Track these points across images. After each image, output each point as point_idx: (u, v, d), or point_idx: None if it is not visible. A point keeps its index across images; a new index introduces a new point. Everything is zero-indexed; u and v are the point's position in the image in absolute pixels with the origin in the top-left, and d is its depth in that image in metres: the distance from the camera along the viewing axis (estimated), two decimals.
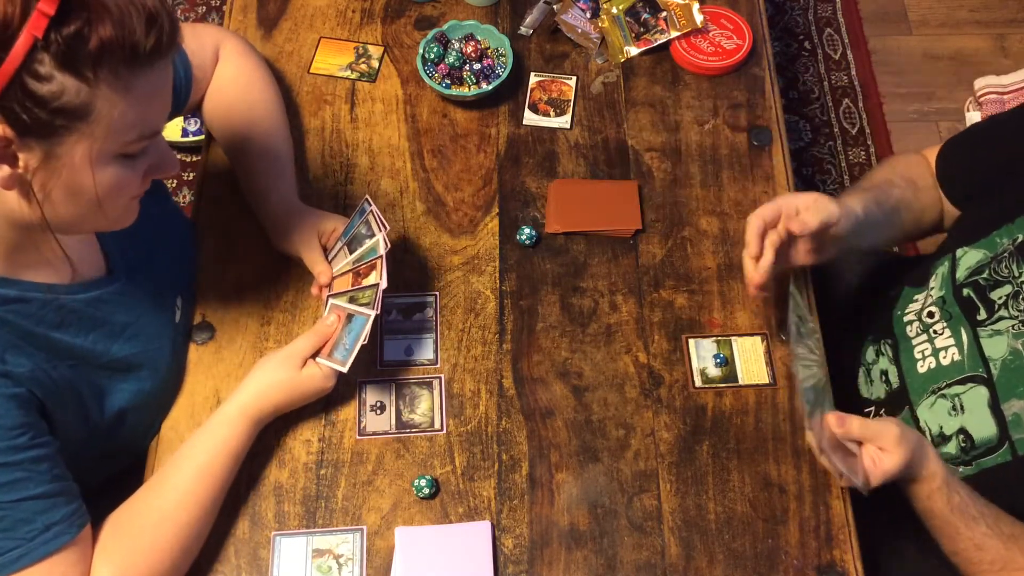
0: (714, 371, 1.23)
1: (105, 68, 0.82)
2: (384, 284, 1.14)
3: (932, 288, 1.24)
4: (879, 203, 1.25)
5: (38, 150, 0.84)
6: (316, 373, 1.13)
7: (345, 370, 1.14)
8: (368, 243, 1.19)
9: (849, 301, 1.43)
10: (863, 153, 2.35)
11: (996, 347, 1.14)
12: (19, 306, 0.97)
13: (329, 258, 1.24)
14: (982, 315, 1.16)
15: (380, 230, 1.18)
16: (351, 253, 1.21)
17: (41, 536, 0.95)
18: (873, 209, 1.23)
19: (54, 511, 0.96)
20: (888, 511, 1.14)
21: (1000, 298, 1.15)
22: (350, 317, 1.16)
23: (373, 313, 1.13)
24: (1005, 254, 1.16)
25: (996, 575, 1.06)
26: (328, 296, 1.21)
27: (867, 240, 1.27)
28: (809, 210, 1.14)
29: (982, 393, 1.14)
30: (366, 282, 1.17)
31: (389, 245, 1.17)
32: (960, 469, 1.16)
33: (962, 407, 1.16)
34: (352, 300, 1.17)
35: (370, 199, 1.20)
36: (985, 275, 1.17)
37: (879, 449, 1.07)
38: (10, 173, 0.85)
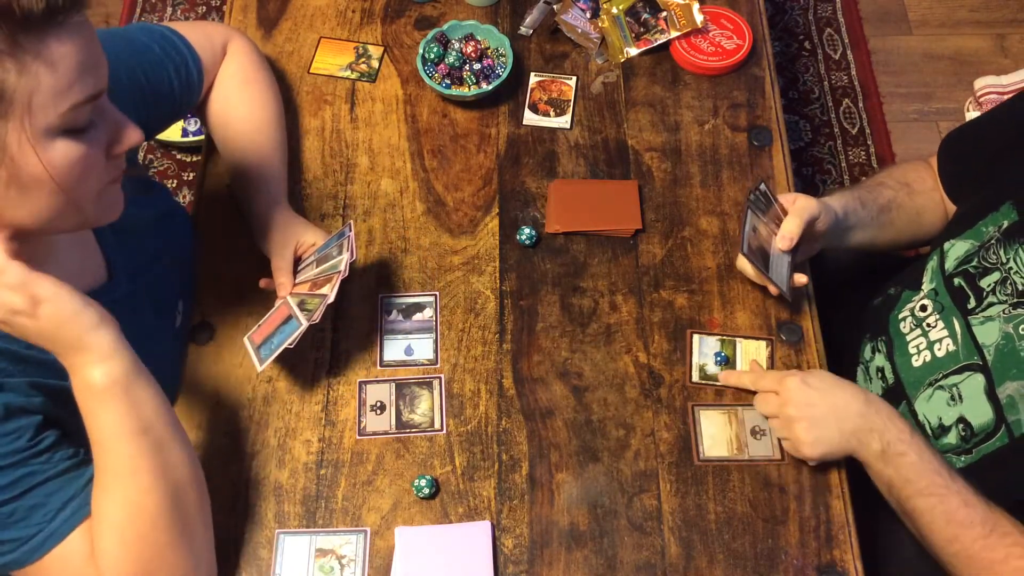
0: (713, 368, 1.23)
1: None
2: (331, 299, 1.13)
3: (924, 283, 1.25)
4: (864, 202, 1.29)
5: None
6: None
7: (259, 368, 1.15)
8: (333, 260, 1.18)
9: (850, 302, 1.43)
10: (863, 153, 2.35)
11: (989, 333, 1.15)
12: None
13: (299, 268, 1.23)
14: (972, 303, 1.17)
15: (347, 252, 1.16)
16: (317, 267, 1.21)
17: (60, 514, 0.94)
18: (856, 208, 1.28)
19: (67, 488, 0.95)
20: (888, 508, 1.14)
21: (989, 285, 1.16)
22: (288, 318, 1.16)
23: (306, 324, 1.13)
24: (992, 241, 1.17)
25: (985, 539, 1.04)
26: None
27: (855, 238, 1.30)
28: (789, 218, 1.21)
29: (978, 380, 1.15)
30: (319, 291, 1.16)
31: (348, 272, 1.15)
32: (961, 458, 1.17)
33: (960, 396, 1.17)
34: (301, 304, 1.17)
35: (352, 225, 1.19)
36: (974, 263, 1.18)
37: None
38: None
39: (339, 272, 1.15)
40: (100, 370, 0.93)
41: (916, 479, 1.07)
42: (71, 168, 0.86)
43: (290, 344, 1.13)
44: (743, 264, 1.25)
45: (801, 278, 1.24)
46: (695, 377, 1.23)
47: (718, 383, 1.22)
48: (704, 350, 1.24)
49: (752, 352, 1.24)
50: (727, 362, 1.23)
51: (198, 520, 1.01)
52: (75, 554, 0.95)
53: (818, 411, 1.11)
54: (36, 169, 0.84)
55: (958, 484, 1.06)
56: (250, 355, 1.18)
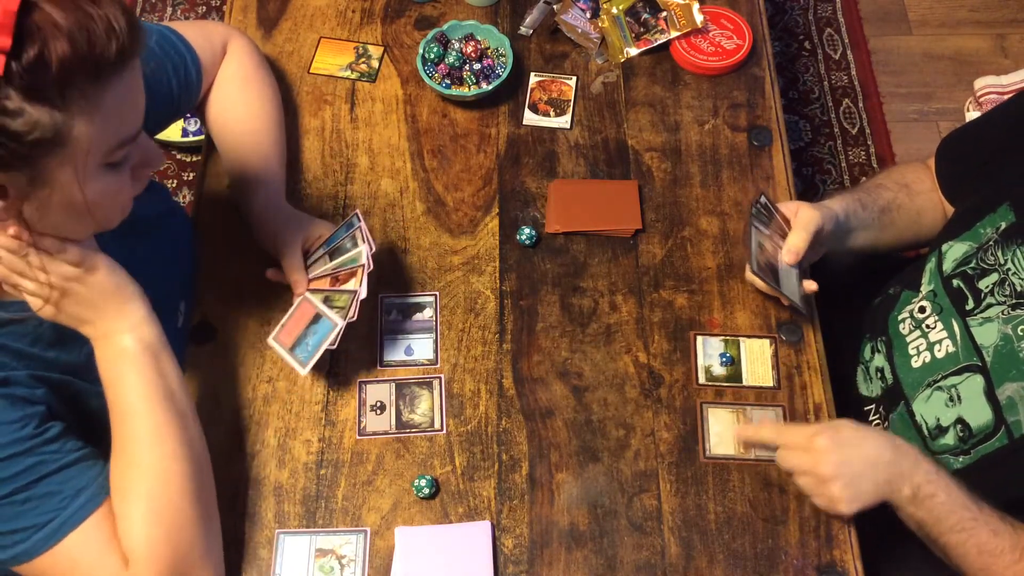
0: (719, 370, 1.23)
1: (73, 89, 0.80)
2: (363, 294, 1.13)
3: (923, 285, 1.25)
4: (864, 204, 1.30)
5: (23, 178, 0.84)
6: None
7: (304, 372, 1.15)
8: (351, 253, 1.18)
9: (851, 302, 1.43)
10: (863, 153, 2.35)
11: (987, 335, 1.15)
12: (15, 327, 0.97)
13: (308, 262, 1.22)
14: (970, 304, 1.17)
15: (364, 243, 1.16)
16: (331, 260, 1.20)
17: (75, 501, 0.95)
18: (857, 210, 1.28)
19: (80, 476, 0.96)
20: (888, 510, 1.14)
21: (987, 286, 1.16)
22: (317, 317, 1.16)
23: (343, 322, 1.13)
24: (990, 243, 1.17)
25: (1016, 564, 1.05)
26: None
27: (856, 241, 1.31)
28: (795, 232, 1.21)
29: (977, 381, 1.15)
30: (345, 287, 1.16)
31: (372, 265, 1.15)
32: (959, 459, 1.17)
33: (959, 397, 1.17)
34: (326, 300, 1.17)
35: (360, 215, 1.19)
36: (972, 265, 1.19)
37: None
38: (2, 206, 0.86)
39: (363, 265, 1.15)
40: (132, 336, 0.99)
41: (946, 517, 1.08)
42: (105, 197, 0.91)
43: (331, 345, 1.13)
44: (753, 278, 1.24)
45: (811, 285, 1.23)
46: (702, 379, 1.23)
47: (724, 384, 1.22)
48: (708, 351, 1.24)
49: (757, 351, 1.24)
50: (732, 362, 1.23)
51: (213, 499, 1.04)
52: (92, 540, 0.95)
53: (854, 467, 1.08)
54: (76, 198, 0.88)
55: (985, 514, 1.07)
56: (283, 358, 1.17)
